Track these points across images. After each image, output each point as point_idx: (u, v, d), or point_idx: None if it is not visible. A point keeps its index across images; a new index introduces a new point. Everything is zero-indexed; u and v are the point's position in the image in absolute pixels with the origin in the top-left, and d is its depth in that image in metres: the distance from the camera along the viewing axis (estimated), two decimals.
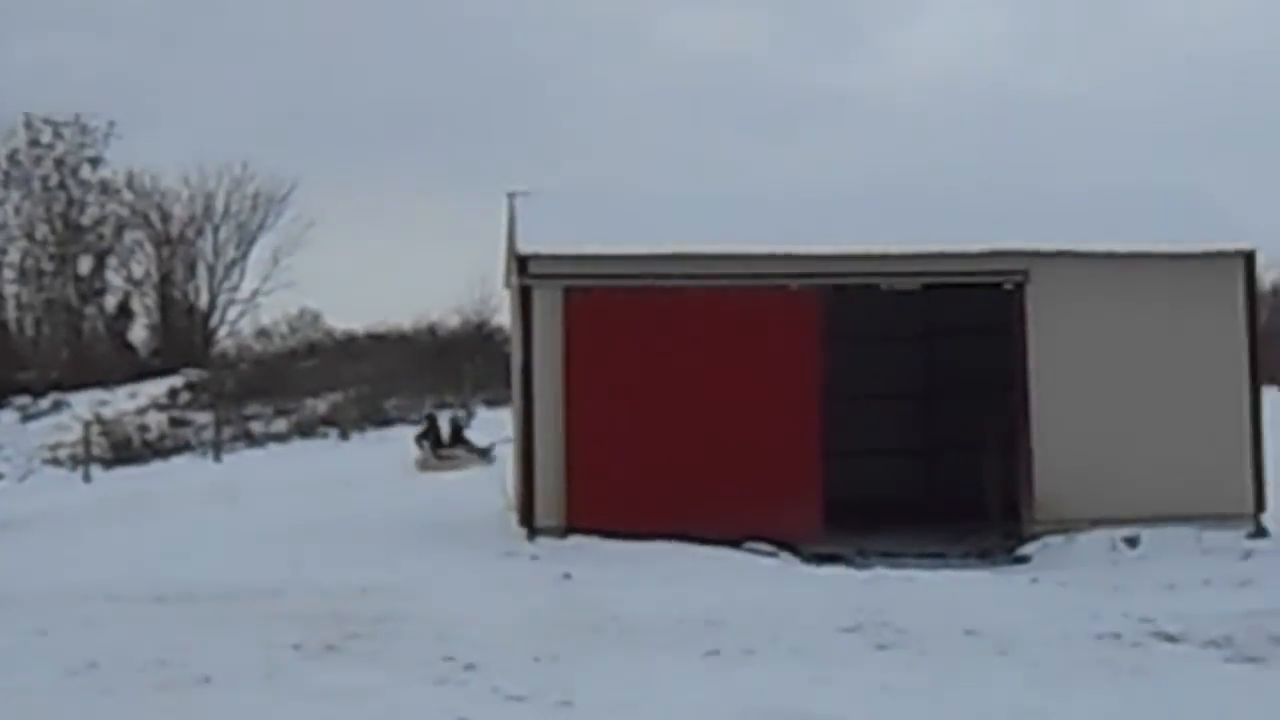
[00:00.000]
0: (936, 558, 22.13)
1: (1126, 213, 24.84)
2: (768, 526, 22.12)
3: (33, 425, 54.96)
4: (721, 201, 25.74)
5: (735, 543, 21.71)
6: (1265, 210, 59.31)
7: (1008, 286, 23.28)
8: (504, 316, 41.63)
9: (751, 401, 22.74)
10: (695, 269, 22.86)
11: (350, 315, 71.94)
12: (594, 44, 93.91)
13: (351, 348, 61.89)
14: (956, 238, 23.42)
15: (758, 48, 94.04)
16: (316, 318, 67.17)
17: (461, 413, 44.05)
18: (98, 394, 57.22)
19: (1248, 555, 21.33)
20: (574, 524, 22.33)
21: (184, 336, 66.63)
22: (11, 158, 65.61)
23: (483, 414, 45.38)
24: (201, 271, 67.62)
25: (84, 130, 65.72)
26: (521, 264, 23.04)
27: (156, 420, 53.30)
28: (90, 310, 67.49)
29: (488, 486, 28.71)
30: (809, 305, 22.96)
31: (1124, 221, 24.28)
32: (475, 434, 39.65)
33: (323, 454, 44.55)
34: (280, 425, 50.92)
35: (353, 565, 20.61)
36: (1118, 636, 15.31)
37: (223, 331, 68.59)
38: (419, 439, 38.65)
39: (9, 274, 66.34)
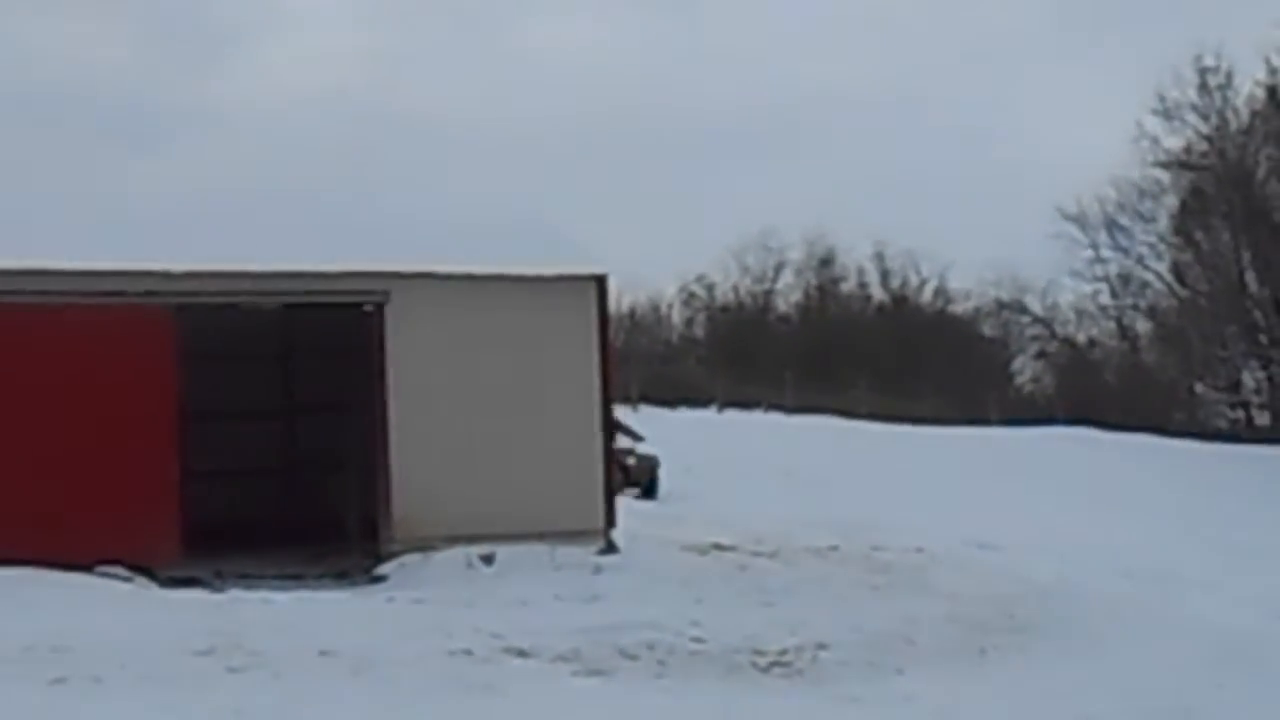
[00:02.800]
0: (294, 579, 21.96)
1: (485, 236, 25.29)
2: (124, 550, 21.47)
3: None
4: (77, 215, 24.83)
5: (89, 567, 21.04)
6: (619, 237, 61.52)
7: (368, 308, 23.31)
8: None
9: (106, 422, 22.03)
10: (42, 285, 21.92)
11: None
12: None
13: None
14: (318, 257, 23.30)
15: (118, 57, 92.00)
16: None
17: None
18: None
19: (598, 571, 22.03)
20: None
21: None
22: None
23: None
24: None
25: None
26: None
27: None
28: None
29: None
30: (164, 323, 22.40)
31: (483, 244, 24.67)
32: None
33: None
34: None
35: None
36: (470, 653, 15.59)
37: None
38: None
39: None
